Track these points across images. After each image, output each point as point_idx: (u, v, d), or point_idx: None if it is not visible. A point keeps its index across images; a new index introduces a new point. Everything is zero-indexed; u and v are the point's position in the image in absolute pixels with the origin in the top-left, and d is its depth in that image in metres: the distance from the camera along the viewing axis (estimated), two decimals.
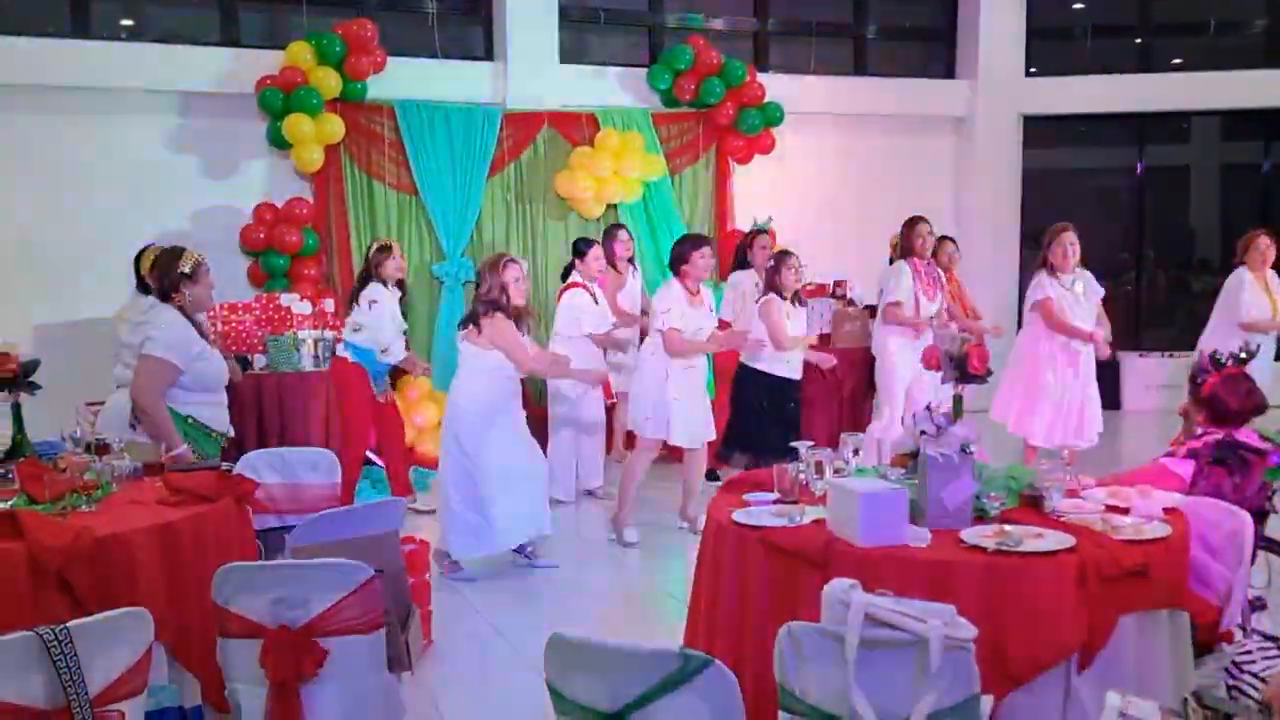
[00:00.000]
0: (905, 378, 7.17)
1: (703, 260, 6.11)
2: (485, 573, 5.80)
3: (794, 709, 2.48)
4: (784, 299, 6.46)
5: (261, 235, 8.09)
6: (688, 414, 6.13)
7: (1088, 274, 7.15)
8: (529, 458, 5.72)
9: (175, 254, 4.55)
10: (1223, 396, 4.16)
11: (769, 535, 3.20)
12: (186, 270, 4.48)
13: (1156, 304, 11.20)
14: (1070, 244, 7.00)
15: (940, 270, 7.41)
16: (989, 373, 3.56)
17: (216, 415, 4.58)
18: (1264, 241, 7.35)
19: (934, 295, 7.19)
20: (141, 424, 4.36)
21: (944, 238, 7.77)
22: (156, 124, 8.15)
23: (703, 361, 6.29)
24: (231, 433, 4.72)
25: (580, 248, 7.27)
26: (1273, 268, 7.43)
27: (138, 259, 6.58)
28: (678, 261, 6.16)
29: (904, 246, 7.24)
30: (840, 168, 10.10)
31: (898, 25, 10.92)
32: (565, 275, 7.42)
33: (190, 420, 4.44)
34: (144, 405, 4.33)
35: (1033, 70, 10.73)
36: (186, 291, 4.48)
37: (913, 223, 7.22)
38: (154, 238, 6.98)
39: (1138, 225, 11.28)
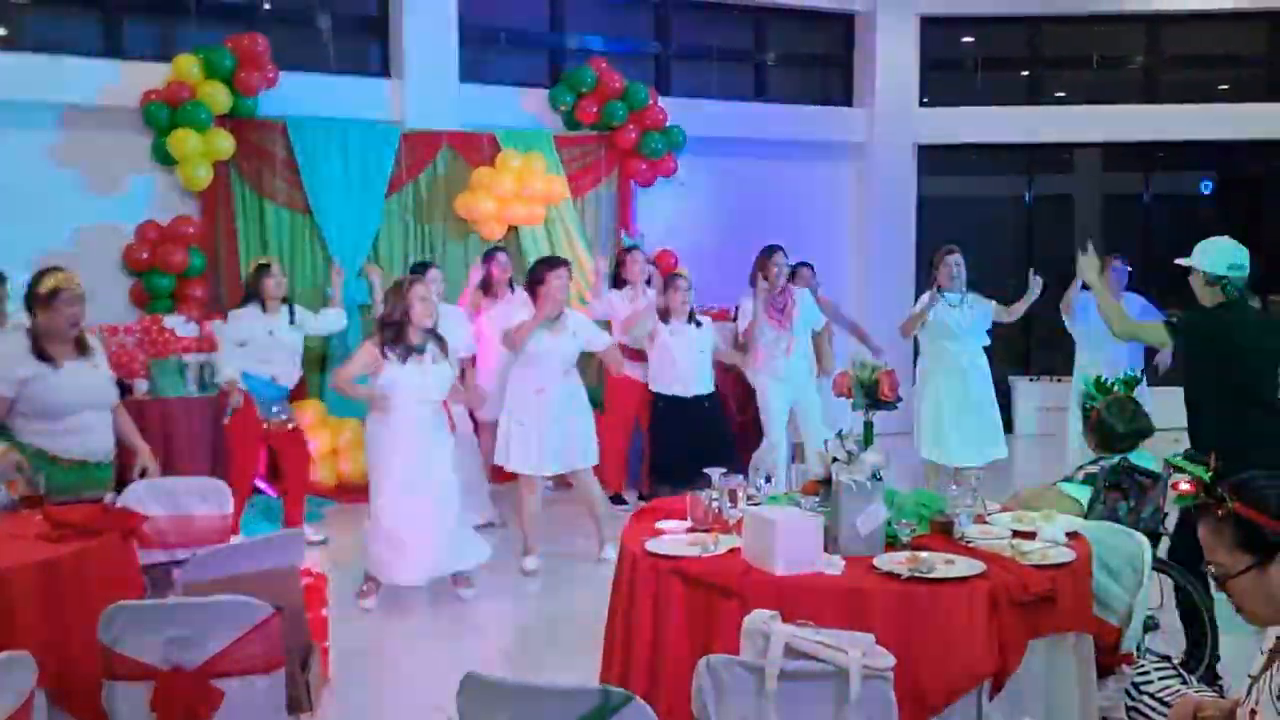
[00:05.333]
0: (779, 403, 7.21)
1: (558, 281, 6.01)
2: (385, 606, 5.64)
3: None
4: (668, 322, 6.48)
5: (145, 255, 7.79)
6: (532, 440, 6.00)
7: (976, 295, 7.29)
8: (422, 492, 5.47)
9: (41, 274, 4.35)
10: (1109, 421, 4.28)
11: (684, 565, 3.16)
12: (41, 293, 4.27)
13: (1044, 329, 11.53)
14: (954, 265, 7.18)
15: (794, 296, 7.42)
16: (899, 399, 3.58)
17: (64, 442, 4.28)
18: (1115, 265, 7.64)
19: (784, 324, 7.21)
20: None
21: (801, 264, 7.82)
22: (33, 138, 7.78)
23: (558, 386, 6.09)
24: (109, 459, 4.45)
25: (416, 269, 6.97)
26: (1135, 291, 7.70)
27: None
28: (533, 284, 6.05)
29: (753, 276, 7.26)
30: (741, 192, 10.19)
31: (797, 53, 11.10)
32: None
33: (34, 449, 4.19)
34: None
35: (926, 100, 11.01)
36: (39, 314, 4.26)
37: (769, 252, 7.25)
38: (30, 257, 6.62)
39: (1027, 252, 11.63)
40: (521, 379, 6.05)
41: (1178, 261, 4.63)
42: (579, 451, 6.15)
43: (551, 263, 6.19)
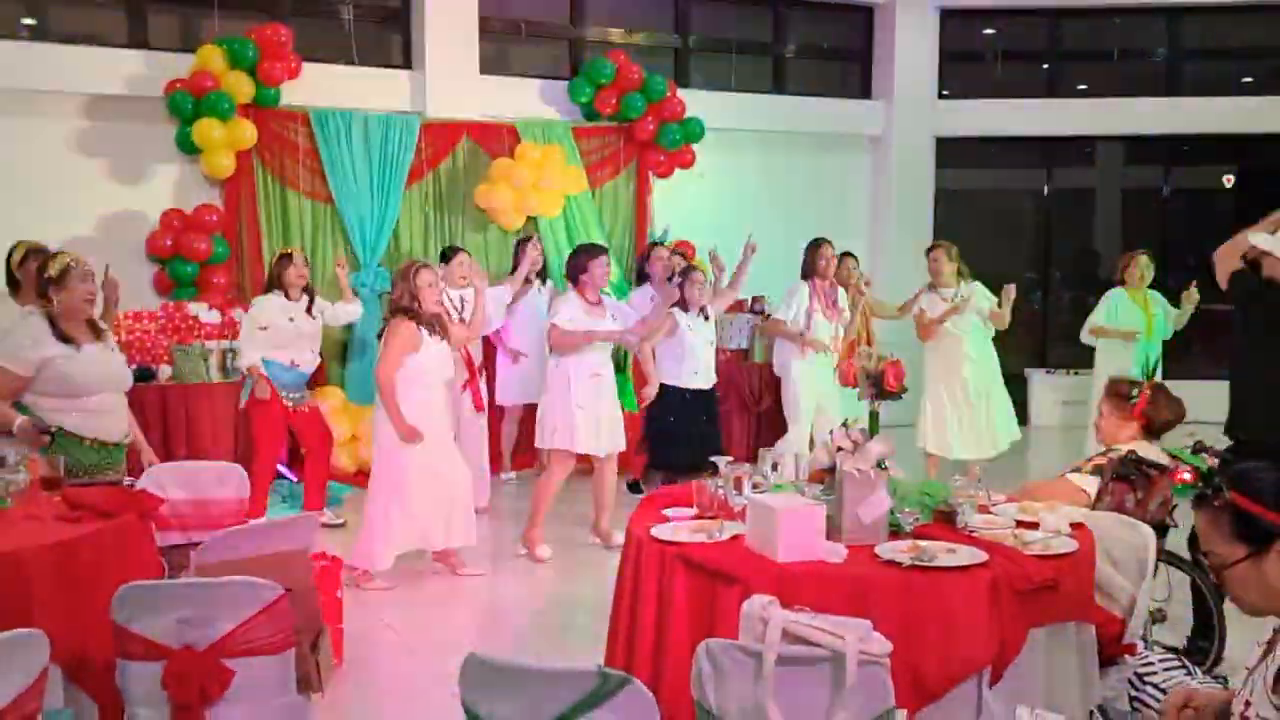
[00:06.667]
0: (810, 395, 7.25)
1: (600, 270, 6.08)
2: (397, 588, 5.71)
3: None
4: (687, 312, 6.54)
5: (169, 242, 7.88)
6: (592, 423, 6.07)
7: (976, 284, 7.35)
8: (439, 468, 5.61)
9: (45, 258, 4.43)
10: (1154, 410, 4.32)
11: (688, 551, 3.19)
12: (52, 274, 4.34)
13: (1061, 323, 11.49)
14: (934, 260, 7.33)
15: (841, 288, 7.49)
16: (904, 389, 3.60)
17: (88, 422, 4.35)
18: (1142, 261, 7.60)
19: (833, 316, 7.26)
20: None
21: (845, 254, 7.85)
22: (59, 126, 7.89)
23: (608, 371, 6.23)
24: (125, 440, 4.53)
25: (446, 255, 7.20)
26: (1152, 287, 7.71)
27: (9, 254, 6.23)
28: (576, 272, 6.13)
29: (806, 267, 7.32)
30: (759, 184, 10.20)
31: (816, 45, 11.08)
32: None
33: (57, 428, 4.26)
34: None
35: (945, 93, 10.96)
36: (54, 296, 4.34)
37: (816, 244, 7.34)
38: (58, 243, 6.66)
39: (1044, 246, 11.59)
40: (576, 364, 6.07)
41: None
42: (620, 434, 6.26)
43: (593, 250, 6.23)
